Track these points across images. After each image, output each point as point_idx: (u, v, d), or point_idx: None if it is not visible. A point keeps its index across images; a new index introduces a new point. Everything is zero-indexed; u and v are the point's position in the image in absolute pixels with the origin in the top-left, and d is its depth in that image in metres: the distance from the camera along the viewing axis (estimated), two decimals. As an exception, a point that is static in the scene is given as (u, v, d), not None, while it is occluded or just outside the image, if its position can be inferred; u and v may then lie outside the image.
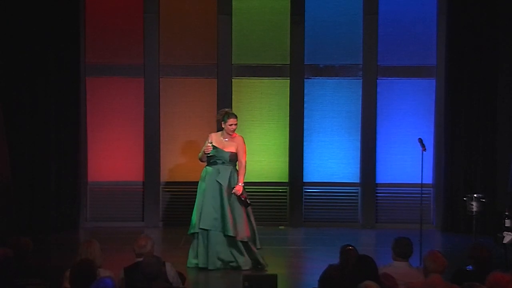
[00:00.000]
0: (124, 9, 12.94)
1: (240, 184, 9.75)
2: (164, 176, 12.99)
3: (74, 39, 12.55)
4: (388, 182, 13.01)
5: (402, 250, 7.01)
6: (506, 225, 10.01)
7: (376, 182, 12.99)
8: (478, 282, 5.86)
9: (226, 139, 9.88)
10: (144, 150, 12.96)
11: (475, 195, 10.56)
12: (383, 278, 6.24)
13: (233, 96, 12.98)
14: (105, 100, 12.90)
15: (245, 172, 9.86)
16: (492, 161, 12.57)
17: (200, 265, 9.72)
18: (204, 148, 9.83)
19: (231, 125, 9.83)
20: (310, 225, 12.88)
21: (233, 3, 12.92)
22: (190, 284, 8.04)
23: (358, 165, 12.99)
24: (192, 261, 9.82)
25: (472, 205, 10.53)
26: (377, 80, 12.97)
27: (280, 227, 12.89)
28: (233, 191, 9.73)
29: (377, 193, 13.01)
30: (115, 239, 11.45)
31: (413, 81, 12.99)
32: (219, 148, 9.85)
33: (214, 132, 10.26)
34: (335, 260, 6.98)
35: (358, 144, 12.98)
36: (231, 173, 9.82)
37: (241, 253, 9.72)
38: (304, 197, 13.01)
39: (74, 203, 12.62)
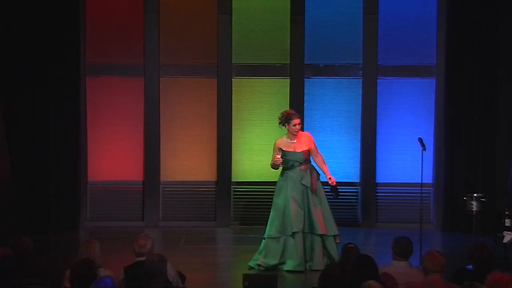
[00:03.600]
0: (124, 9, 12.93)
1: (330, 176, 9.95)
2: (164, 176, 12.98)
3: (74, 39, 12.54)
4: (388, 181, 13.00)
5: (402, 249, 7.02)
6: (506, 225, 10.03)
7: (376, 181, 12.98)
8: (478, 281, 5.86)
9: (294, 141, 9.87)
10: (144, 150, 12.95)
11: (475, 195, 10.57)
12: (383, 278, 6.25)
13: (233, 96, 12.98)
14: (105, 100, 12.88)
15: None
16: (492, 161, 12.56)
17: (293, 268, 9.66)
18: (273, 160, 9.82)
19: (295, 125, 9.80)
20: (310, 225, 12.87)
21: (233, 2, 12.90)
22: (190, 284, 8.03)
23: (358, 165, 12.98)
24: (268, 261, 9.75)
25: (472, 204, 10.54)
26: (377, 80, 12.96)
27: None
28: (331, 182, 9.89)
29: (377, 192, 13.00)
30: (115, 239, 11.45)
31: (413, 81, 12.98)
32: (290, 151, 9.86)
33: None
34: (335, 260, 6.99)
35: (358, 144, 12.97)
36: (310, 171, 9.91)
37: (323, 254, 9.78)
38: (304, 197, 12.99)
39: (74, 203, 12.60)
